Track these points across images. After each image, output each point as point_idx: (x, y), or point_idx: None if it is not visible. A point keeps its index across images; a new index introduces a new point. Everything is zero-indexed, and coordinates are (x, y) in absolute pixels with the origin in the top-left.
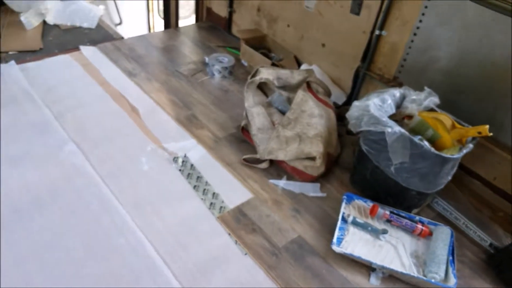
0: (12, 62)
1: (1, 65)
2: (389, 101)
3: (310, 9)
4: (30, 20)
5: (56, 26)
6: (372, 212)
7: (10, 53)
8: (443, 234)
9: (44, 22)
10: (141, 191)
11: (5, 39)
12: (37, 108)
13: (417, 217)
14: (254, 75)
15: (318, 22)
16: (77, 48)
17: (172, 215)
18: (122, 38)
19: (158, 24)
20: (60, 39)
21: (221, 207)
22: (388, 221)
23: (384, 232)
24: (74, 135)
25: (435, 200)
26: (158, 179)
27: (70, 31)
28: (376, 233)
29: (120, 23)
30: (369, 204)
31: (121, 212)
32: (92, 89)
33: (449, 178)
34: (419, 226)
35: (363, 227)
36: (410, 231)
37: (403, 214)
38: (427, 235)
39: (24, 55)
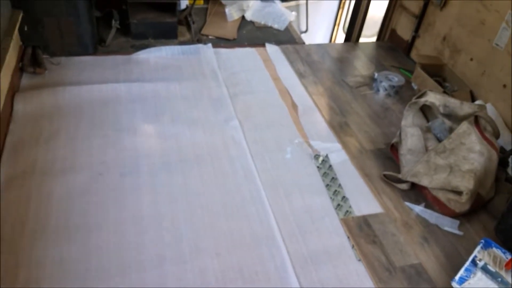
0: (209, 45)
1: (200, 45)
2: None
3: (500, 47)
4: (232, 13)
5: (251, 22)
6: (509, 265)
7: (210, 37)
8: None
9: (243, 17)
10: (279, 174)
11: (209, 25)
12: (219, 86)
13: None
14: (420, 97)
15: (505, 62)
16: (263, 45)
17: (300, 203)
18: (303, 43)
19: (339, 37)
20: (252, 34)
21: (347, 211)
22: None
23: None
24: (240, 114)
25: None
26: (296, 169)
27: (262, 29)
28: (506, 286)
29: (305, 31)
30: (508, 256)
31: (258, 186)
32: (265, 81)
33: None
34: None
35: (493, 276)
36: None
37: None
38: None
39: (220, 41)
